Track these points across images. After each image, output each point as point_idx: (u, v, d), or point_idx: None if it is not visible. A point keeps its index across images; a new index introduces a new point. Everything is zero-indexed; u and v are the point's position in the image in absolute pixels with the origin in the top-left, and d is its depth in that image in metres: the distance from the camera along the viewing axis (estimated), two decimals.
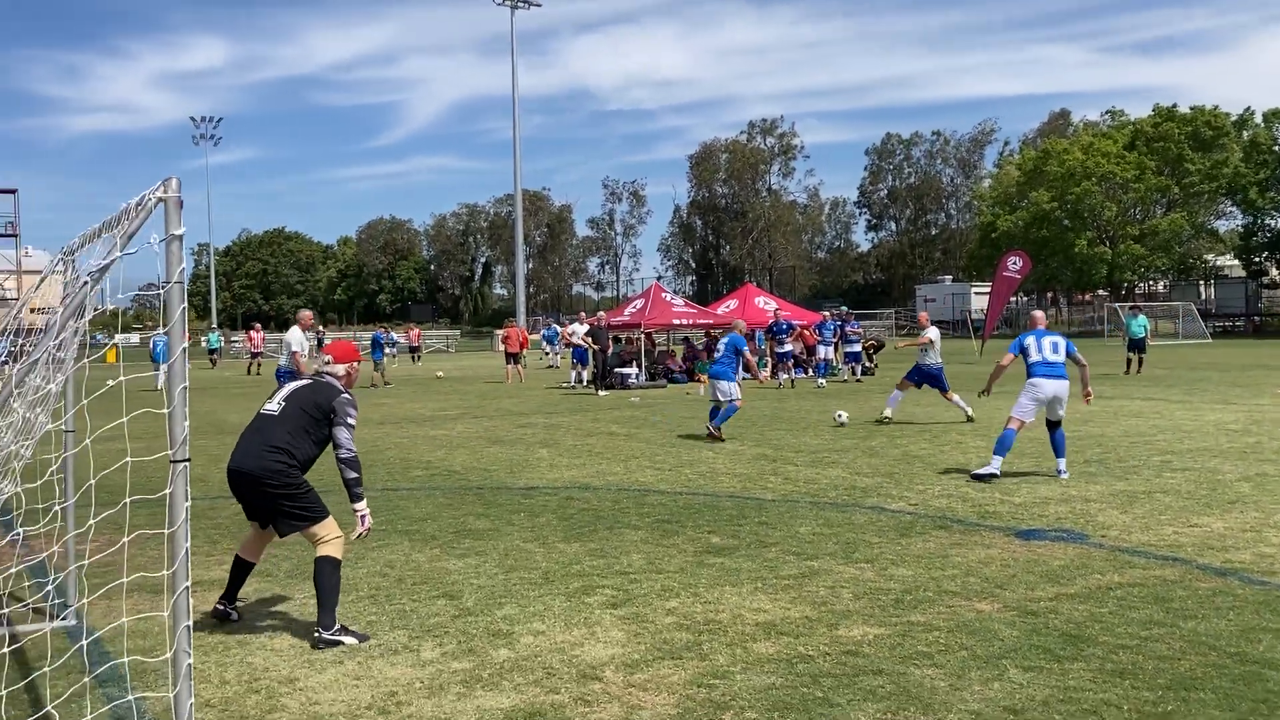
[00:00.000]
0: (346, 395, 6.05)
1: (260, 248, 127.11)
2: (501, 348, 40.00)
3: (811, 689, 4.85)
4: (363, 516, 5.95)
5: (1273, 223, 66.72)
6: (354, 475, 5.87)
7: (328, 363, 6.23)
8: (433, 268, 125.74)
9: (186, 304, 3.88)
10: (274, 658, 5.49)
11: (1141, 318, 28.95)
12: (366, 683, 5.08)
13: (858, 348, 28.71)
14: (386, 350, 34.89)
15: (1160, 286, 74.81)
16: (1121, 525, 8.34)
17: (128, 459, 4.07)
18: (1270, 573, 6.76)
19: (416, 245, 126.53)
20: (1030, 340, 11.07)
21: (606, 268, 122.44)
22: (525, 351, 32.85)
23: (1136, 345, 27.69)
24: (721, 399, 14.97)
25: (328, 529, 5.82)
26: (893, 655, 5.30)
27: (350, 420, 5.94)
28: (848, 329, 29.51)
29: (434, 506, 9.89)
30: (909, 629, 5.73)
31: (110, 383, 4.50)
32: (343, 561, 5.91)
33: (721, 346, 15.55)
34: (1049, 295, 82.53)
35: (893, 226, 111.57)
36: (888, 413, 16.36)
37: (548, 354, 39.51)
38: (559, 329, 44.28)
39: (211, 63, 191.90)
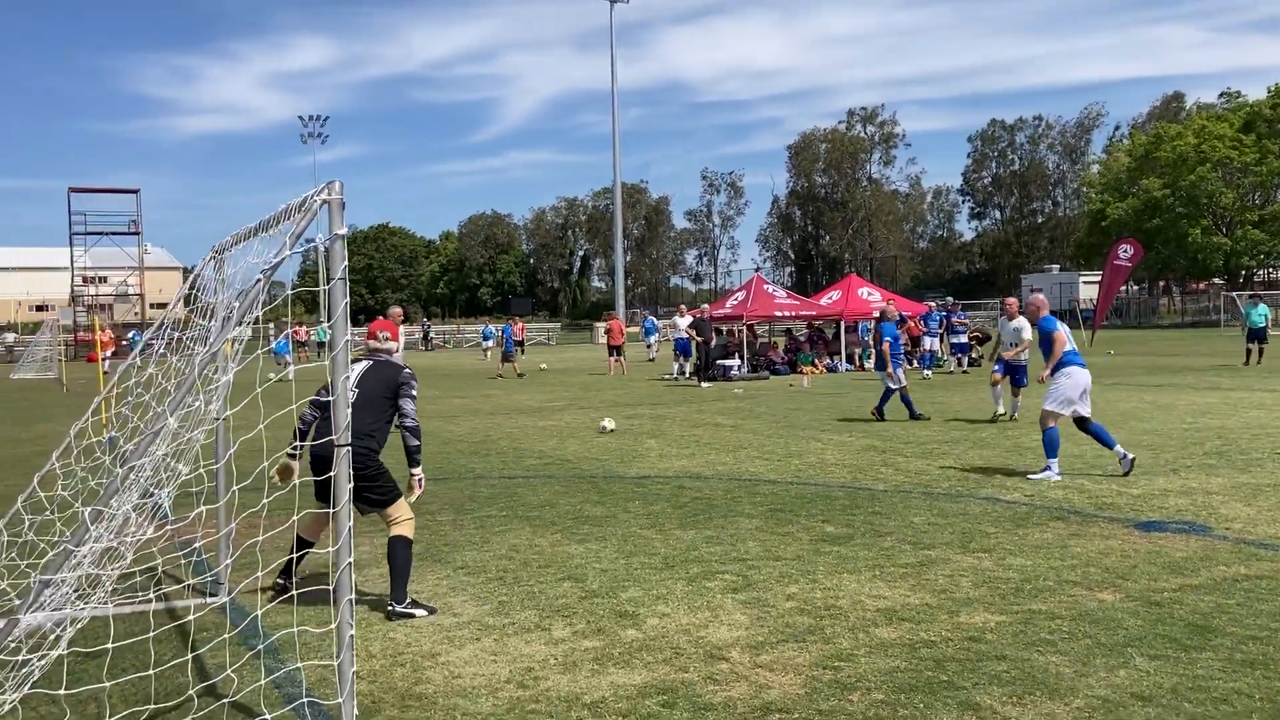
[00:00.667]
0: (408, 369, 6.48)
1: (366, 243, 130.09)
2: (603, 340, 40.44)
3: (936, 672, 4.95)
4: (420, 480, 6.33)
5: None
6: (416, 443, 6.29)
7: (385, 339, 6.58)
8: (532, 261, 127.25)
9: (348, 299, 4.16)
10: (415, 634, 5.79)
11: (1262, 306, 27.94)
12: (503, 659, 5.34)
13: (964, 338, 28.43)
14: (490, 343, 35.40)
15: None
16: (1246, 518, 8.20)
17: (262, 442, 4.37)
18: None
19: (516, 239, 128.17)
20: (1062, 327, 10.63)
21: (704, 259, 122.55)
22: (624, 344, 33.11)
23: (1257, 335, 26.76)
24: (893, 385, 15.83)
25: (401, 510, 6.19)
26: (1015, 642, 5.37)
27: (414, 392, 6.30)
28: (953, 319, 29.14)
29: (551, 494, 10.18)
30: (1030, 617, 5.78)
31: (274, 376, 4.81)
32: (416, 540, 6.21)
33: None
34: (1160, 284, 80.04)
35: (997, 214, 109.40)
36: (1001, 409, 15.48)
37: (649, 347, 39.69)
38: (656, 321, 44.52)
39: (317, 62, 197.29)
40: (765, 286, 31.62)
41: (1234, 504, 8.75)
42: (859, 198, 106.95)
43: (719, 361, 27.46)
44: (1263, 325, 27.02)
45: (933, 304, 31.45)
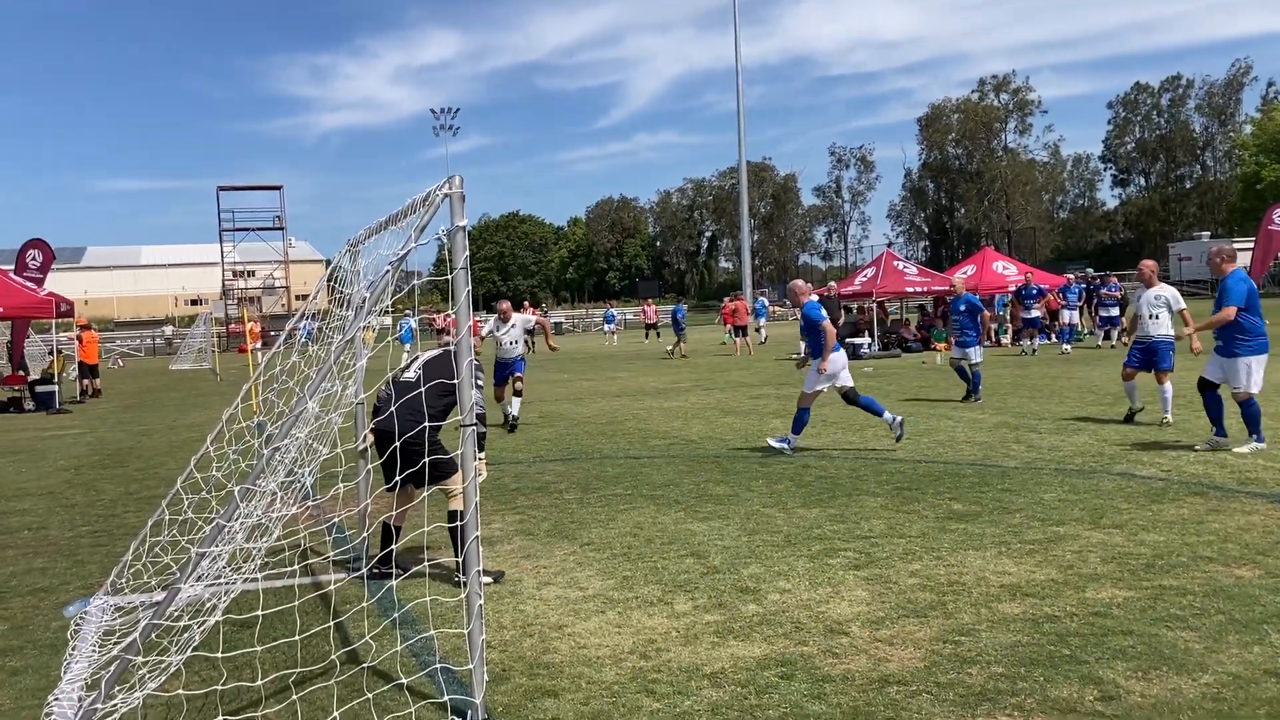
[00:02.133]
0: (474, 359, 6.56)
1: (497, 231, 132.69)
2: (719, 320, 40.32)
3: (1058, 647, 4.91)
4: (482, 462, 6.46)
5: None
6: (481, 430, 6.38)
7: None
8: (659, 244, 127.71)
9: (471, 287, 4.36)
10: (543, 607, 6.02)
11: None
12: (627, 630, 5.51)
13: (1115, 311, 26.77)
14: (611, 326, 35.56)
15: None
16: None
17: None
18: None
19: (643, 222, 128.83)
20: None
21: (834, 236, 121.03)
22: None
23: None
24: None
25: (459, 482, 6.28)
26: (1143, 617, 5.28)
27: (480, 382, 6.42)
28: (1101, 291, 28.09)
29: (674, 473, 10.33)
30: (1160, 593, 5.67)
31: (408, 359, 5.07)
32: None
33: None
34: None
35: (1141, 181, 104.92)
36: (1137, 404, 12.59)
37: (758, 330, 38.72)
38: (766, 303, 43.95)
39: (446, 55, 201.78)
40: (895, 263, 31.12)
41: None
42: (994, 168, 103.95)
43: (848, 340, 27.19)
44: None
45: (1071, 276, 30.47)
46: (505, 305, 15.44)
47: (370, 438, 6.58)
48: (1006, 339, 29.32)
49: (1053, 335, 28.08)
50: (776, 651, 5.07)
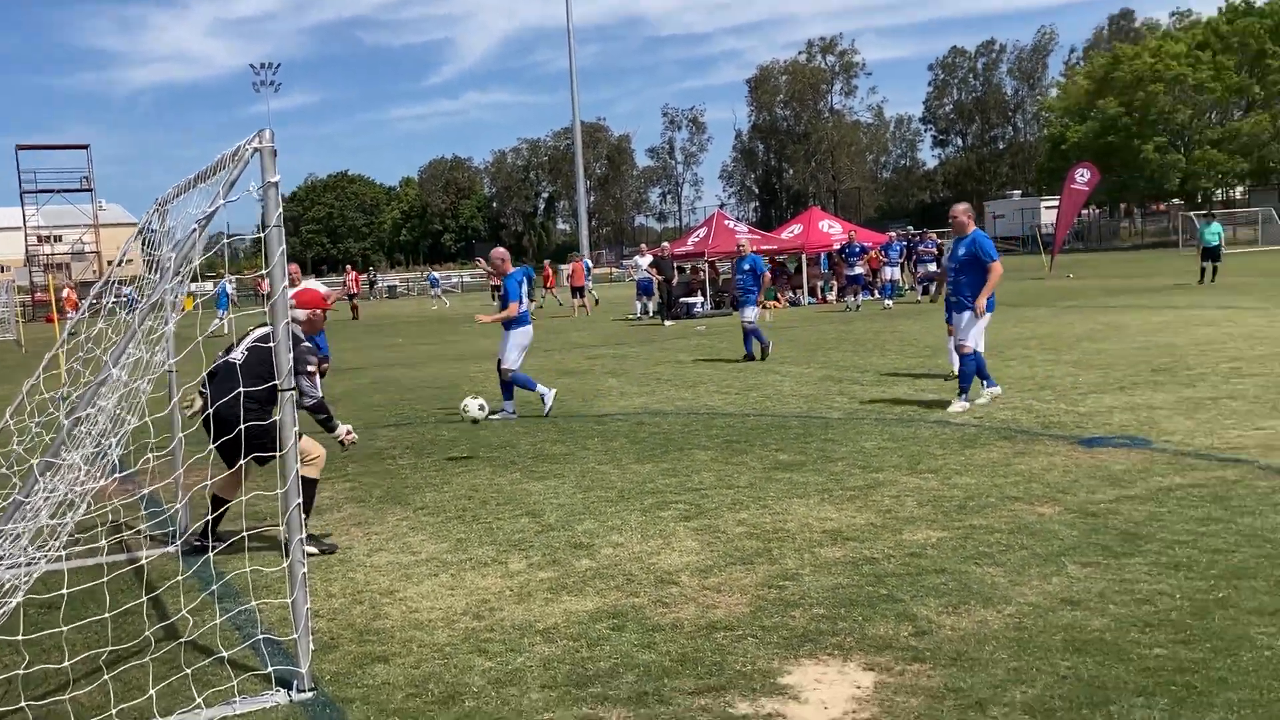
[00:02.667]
0: (305, 344, 6.40)
1: (325, 192, 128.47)
2: (566, 283, 40.39)
3: (876, 587, 5.14)
4: (348, 432, 6.45)
5: None
6: (322, 416, 6.34)
7: (291, 307, 6.52)
8: (495, 205, 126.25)
9: (285, 246, 4.21)
10: (374, 574, 5.93)
11: (1215, 225, 28.33)
12: (460, 592, 5.48)
13: (933, 267, 28.13)
14: (438, 290, 34.98)
15: (1238, 193, 72.56)
16: (1185, 430, 8.45)
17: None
18: None
19: (478, 183, 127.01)
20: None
21: (668, 198, 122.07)
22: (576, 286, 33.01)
23: (1210, 254, 27.17)
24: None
25: (305, 450, 6.09)
26: (955, 556, 5.56)
27: (309, 368, 6.23)
28: (920, 248, 29.29)
29: (511, 434, 10.30)
30: (971, 532, 5.98)
31: (211, 328, 4.87)
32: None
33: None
34: (1122, 207, 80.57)
35: (959, 142, 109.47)
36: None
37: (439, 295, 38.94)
38: (437, 276, 44.48)
39: (265, 7, 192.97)
40: (726, 222, 31.63)
41: (1176, 418, 8.99)
42: (821, 129, 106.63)
43: (681, 299, 27.56)
44: (1216, 244, 27.42)
45: (893, 234, 31.62)
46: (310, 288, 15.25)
47: (198, 403, 6.31)
48: (832, 295, 30.26)
49: (875, 291, 29.12)
50: (608, 604, 5.13)
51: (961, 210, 10.56)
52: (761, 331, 15.89)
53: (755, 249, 19.82)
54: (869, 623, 4.68)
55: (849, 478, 7.53)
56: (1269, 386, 10.24)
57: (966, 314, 10.06)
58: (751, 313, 15.88)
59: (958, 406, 10.03)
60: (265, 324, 6.46)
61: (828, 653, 4.39)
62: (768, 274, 16.70)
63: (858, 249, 27.16)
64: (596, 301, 37.38)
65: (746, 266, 16.24)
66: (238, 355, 6.23)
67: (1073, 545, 5.62)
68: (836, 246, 29.39)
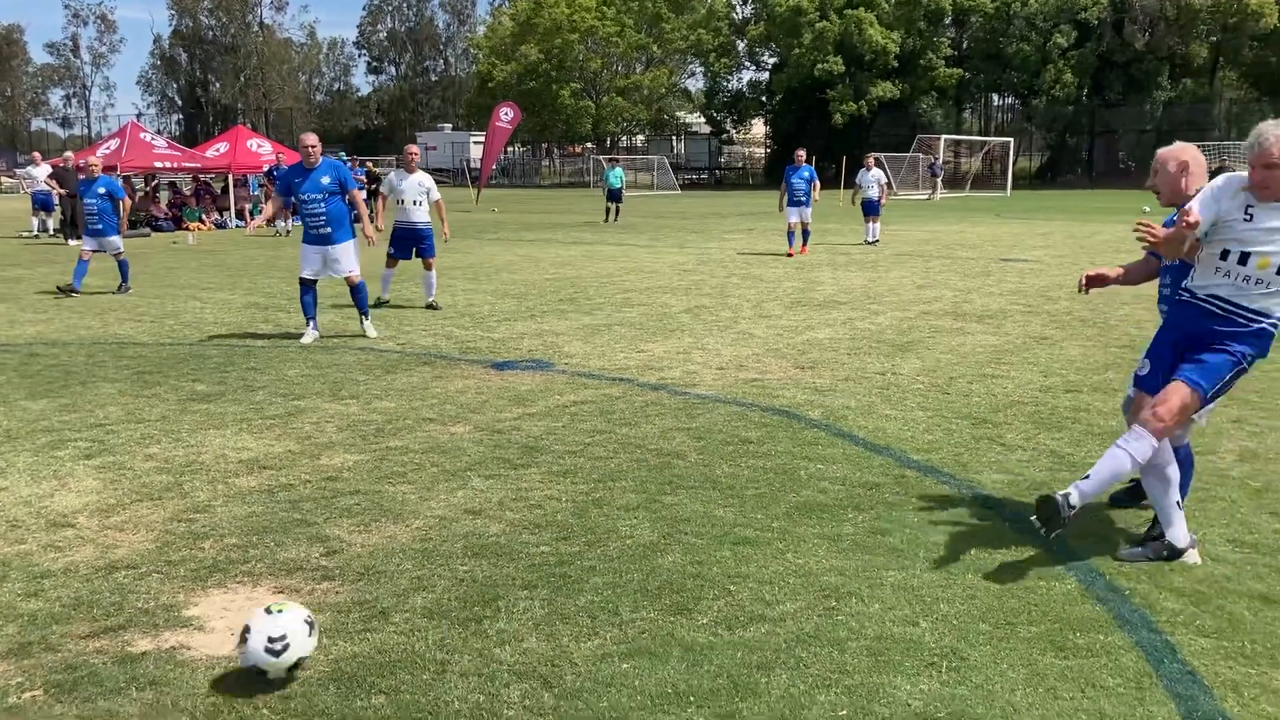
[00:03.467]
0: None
1: None
2: None
3: (291, 512, 5.19)
4: None
5: (729, 85, 74.14)
6: None
7: None
8: None
9: None
10: None
11: (619, 169, 31.44)
12: None
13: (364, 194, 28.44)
14: None
15: (640, 140, 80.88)
16: (582, 354, 9.42)
17: None
18: (692, 385, 8.08)
19: None
20: None
21: (74, 101, 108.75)
22: None
23: (614, 195, 30.11)
24: None
25: None
26: (370, 477, 5.77)
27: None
28: (357, 174, 29.13)
29: None
30: (387, 453, 6.23)
31: None
32: None
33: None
34: (543, 147, 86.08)
35: (393, 71, 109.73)
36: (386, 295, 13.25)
37: None
38: None
39: None
40: (142, 135, 29.05)
41: (575, 343, 9.98)
42: (250, 43, 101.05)
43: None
44: (619, 186, 30.43)
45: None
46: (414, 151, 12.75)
47: None
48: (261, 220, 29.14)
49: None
50: None
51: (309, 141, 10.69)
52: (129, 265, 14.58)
53: (177, 165, 18.12)
54: (281, 548, 4.73)
55: (270, 406, 7.44)
56: (651, 315, 11.71)
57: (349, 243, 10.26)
58: (116, 243, 14.37)
59: (372, 332, 10.44)
60: None
61: (237, 581, 4.38)
62: (126, 200, 14.85)
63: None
64: None
65: (102, 190, 14.31)
66: None
67: (479, 460, 6.08)
68: (266, 168, 28.30)
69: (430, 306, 12.39)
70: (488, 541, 4.78)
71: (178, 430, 6.79)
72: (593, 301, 12.84)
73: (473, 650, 3.72)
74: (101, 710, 3.34)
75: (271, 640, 3.38)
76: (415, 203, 12.34)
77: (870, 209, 21.16)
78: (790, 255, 18.55)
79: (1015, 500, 5.34)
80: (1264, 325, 4.27)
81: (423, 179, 12.47)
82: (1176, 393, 4.26)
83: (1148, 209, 31.70)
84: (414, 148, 12.81)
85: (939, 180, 46.71)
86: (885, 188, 22.30)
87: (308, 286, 10.17)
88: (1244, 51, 58.66)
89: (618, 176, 30.65)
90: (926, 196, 45.85)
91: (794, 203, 18.91)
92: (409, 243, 12.46)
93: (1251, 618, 3.97)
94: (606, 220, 29.49)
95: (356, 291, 10.34)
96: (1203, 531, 4.79)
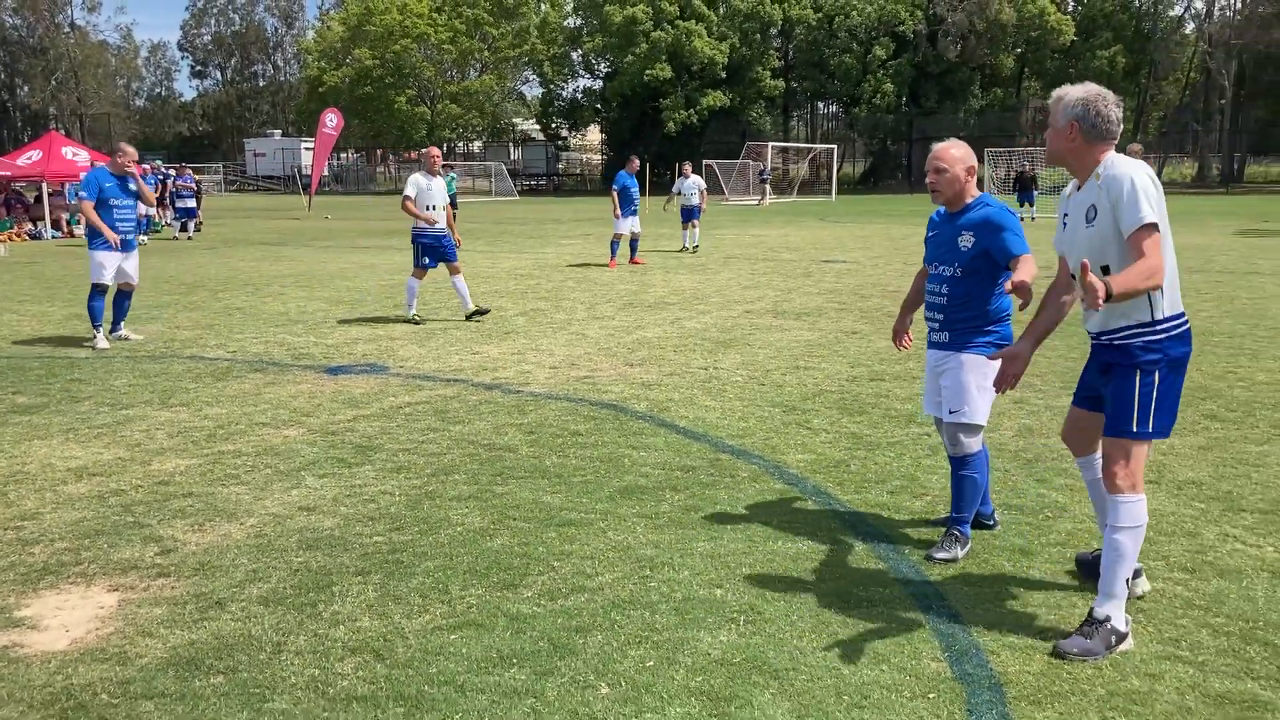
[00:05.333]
0: None
1: None
2: None
3: (123, 516, 5.26)
4: None
5: (564, 92, 74.66)
6: None
7: None
8: None
9: None
10: None
11: (451, 175, 31.44)
12: None
13: (192, 203, 27.76)
14: None
15: (476, 147, 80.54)
16: (418, 357, 9.60)
17: None
18: (524, 385, 8.38)
19: None
20: None
21: None
22: None
23: (449, 201, 30.14)
24: None
25: None
26: (203, 480, 5.86)
27: None
28: (179, 183, 28.26)
29: None
30: (220, 457, 6.31)
31: None
32: None
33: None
34: (378, 153, 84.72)
35: (219, 76, 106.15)
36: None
37: None
38: None
39: None
40: None
41: (410, 346, 10.15)
42: (61, 45, 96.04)
43: None
44: (452, 192, 30.46)
45: (147, 167, 30.06)
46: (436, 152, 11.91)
47: None
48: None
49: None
50: None
51: None
52: None
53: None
54: (114, 549, 4.81)
55: (97, 416, 7.38)
56: (488, 320, 11.93)
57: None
58: None
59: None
60: None
61: (70, 582, 4.46)
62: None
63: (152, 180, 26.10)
64: None
65: None
66: None
67: (313, 460, 6.24)
68: (82, 176, 27.22)
69: (481, 312, 11.87)
70: (322, 535, 4.98)
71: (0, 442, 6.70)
72: (428, 306, 12.98)
73: (308, 631, 3.94)
74: None
75: None
76: (440, 207, 11.87)
77: (690, 215, 21.54)
78: (613, 267, 17.82)
79: (815, 476, 5.85)
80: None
81: (444, 183, 12.12)
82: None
83: None
84: (436, 150, 12.32)
85: (767, 186, 48.21)
86: (704, 194, 22.38)
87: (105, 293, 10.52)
88: (1046, 63, 62.53)
89: (450, 182, 30.66)
90: (756, 202, 47.26)
91: (631, 213, 18.38)
92: (438, 251, 11.92)
93: (1010, 567, 4.54)
94: None
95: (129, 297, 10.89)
96: None
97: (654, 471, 5.95)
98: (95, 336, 10.30)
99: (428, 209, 11.68)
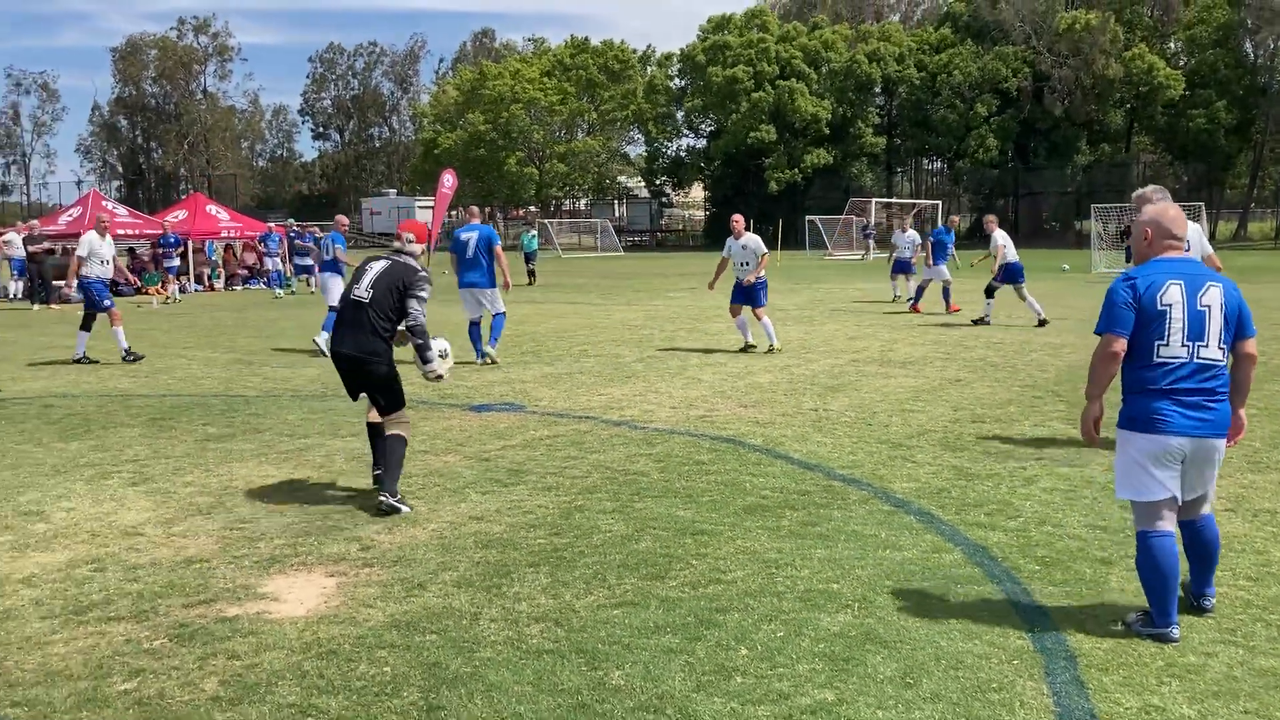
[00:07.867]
0: (424, 271, 6.86)
1: None
2: None
3: (324, 520, 6.24)
4: (431, 372, 6.99)
5: (668, 150, 76.32)
6: (418, 342, 6.82)
7: (409, 240, 6.96)
8: None
9: None
10: None
11: (532, 232, 33.95)
12: None
13: (309, 260, 29.34)
14: None
15: (582, 204, 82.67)
16: (550, 397, 10.55)
17: None
18: (649, 421, 9.23)
19: None
20: None
21: (12, 169, 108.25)
22: None
23: (529, 257, 32.19)
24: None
25: (402, 415, 6.85)
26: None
27: (424, 293, 6.78)
28: (299, 242, 30.07)
29: None
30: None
31: None
32: None
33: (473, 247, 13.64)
34: (488, 210, 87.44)
35: (337, 137, 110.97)
36: (751, 339, 14.07)
37: None
38: None
39: None
40: (104, 202, 29.85)
41: (542, 389, 11.11)
42: (194, 111, 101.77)
43: (55, 282, 25.62)
44: (534, 249, 32.74)
45: (272, 225, 32.13)
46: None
47: None
48: (220, 284, 30.00)
49: (264, 282, 29.46)
50: (82, 555, 5.64)
51: None
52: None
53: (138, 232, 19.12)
54: (323, 545, 5.78)
55: (279, 443, 8.46)
56: (607, 364, 12.87)
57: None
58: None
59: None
60: (378, 258, 6.88)
61: (294, 569, 5.42)
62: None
63: (173, 239, 27.81)
64: None
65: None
66: (363, 293, 6.62)
67: (473, 481, 7.17)
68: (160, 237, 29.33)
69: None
70: (493, 537, 5.88)
71: (205, 463, 7.79)
72: (552, 354, 13.98)
73: (497, 606, 4.81)
74: (221, 649, 4.38)
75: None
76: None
77: (902, 268, 21.89)
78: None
79: (920, 500, 6.56)
80: None
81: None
82: None
83: (1066, 267, 33.70)
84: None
85: (871, 242, 48.72)
86: (918, 248, 21.85)
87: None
88: (1156, 118, 61.88)
89: (532, 239, 33.07)
90: (860, 257, 47.78)
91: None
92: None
93: (1091, 573, 5.20)
94: (531, 282, 30.34)
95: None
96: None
97: (773, 494, 6.72)
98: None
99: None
